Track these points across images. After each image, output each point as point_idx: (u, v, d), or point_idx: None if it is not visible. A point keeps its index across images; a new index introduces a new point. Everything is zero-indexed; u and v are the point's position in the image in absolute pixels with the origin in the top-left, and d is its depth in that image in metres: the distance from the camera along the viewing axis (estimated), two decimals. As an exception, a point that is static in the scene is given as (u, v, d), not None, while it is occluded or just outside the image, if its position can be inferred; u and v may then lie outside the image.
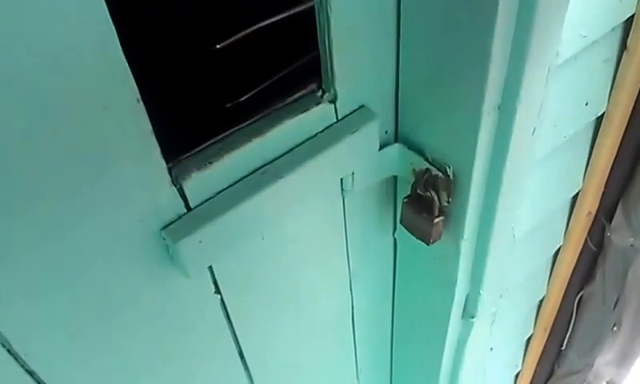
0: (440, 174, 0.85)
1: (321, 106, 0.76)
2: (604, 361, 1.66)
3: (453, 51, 0.72)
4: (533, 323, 1.70)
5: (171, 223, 0.66)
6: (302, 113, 0.75)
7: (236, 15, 0.95)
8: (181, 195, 0.65)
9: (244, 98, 0.86)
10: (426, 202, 0.88)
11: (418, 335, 1.23)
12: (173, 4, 0.98)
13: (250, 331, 0.90)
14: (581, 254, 1.45)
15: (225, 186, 0.70)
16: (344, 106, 0.79)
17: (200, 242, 0.66)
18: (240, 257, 0.79)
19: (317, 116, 0.77)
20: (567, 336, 1.71)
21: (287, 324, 0.98)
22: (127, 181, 0.60)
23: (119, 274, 0.66)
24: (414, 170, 0.89)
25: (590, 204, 1.30)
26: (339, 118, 0.80)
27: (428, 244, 0.91)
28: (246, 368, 0.94)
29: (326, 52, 0.72)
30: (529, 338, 1.77)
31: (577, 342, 1.69)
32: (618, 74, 1.03)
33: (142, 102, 0.56)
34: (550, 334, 1.76)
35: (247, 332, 0.89)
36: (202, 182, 0.67)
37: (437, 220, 0.88)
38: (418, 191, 0.88)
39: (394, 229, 1.07)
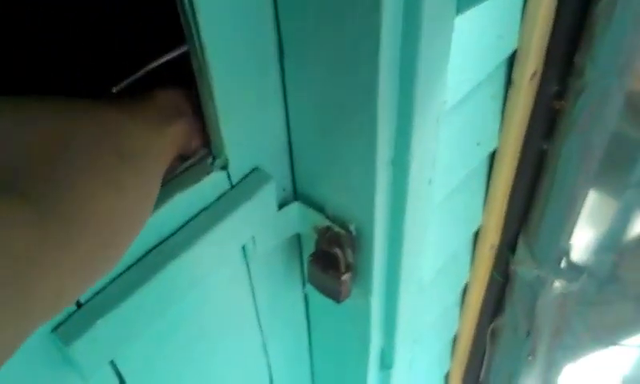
0: (342, 231, 0.84)
1: (212, 174, 0.74)
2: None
3: (340, 109, 0.72)
4: (449, 359, 1.72)
5: (61, 324, 0.61)
6: (194, 184, 0.72)
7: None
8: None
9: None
10: (331, 258, 0.87)
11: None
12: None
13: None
14: (489, 286, 1.48)
15: (115, 275, 0.66)
16: (236, 170, 0.77)
17: (95, 339, 0.62)
18: (144, 343, 0.74)
19: (210, 185, 0.74)
20: (483, 368, 1.73)
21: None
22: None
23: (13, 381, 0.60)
24: (315, 227, 0.87)
25: (492, 238, 1.32)
26: (233, 184, 0.78)
27: (338, 302, 0.90)
28: None
29: (213, 118, 0.70)
30: (447, 374, 1.79)
31: (494, 373, 1.72)
32: (506, 108, 1.06)
33: None
34: (467, 368, 1.78)
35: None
36: None
37: (344, 277, 0.87)
38: (323, 248, 0.87)
39: (304, 286, 1.05)
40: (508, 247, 1.36)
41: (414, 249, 0.87)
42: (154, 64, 0.73)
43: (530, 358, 1.54)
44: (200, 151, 0.74)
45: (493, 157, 1.15)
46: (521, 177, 1.20)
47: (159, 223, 0.69)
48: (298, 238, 0.98)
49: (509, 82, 1.04)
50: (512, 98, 1.06)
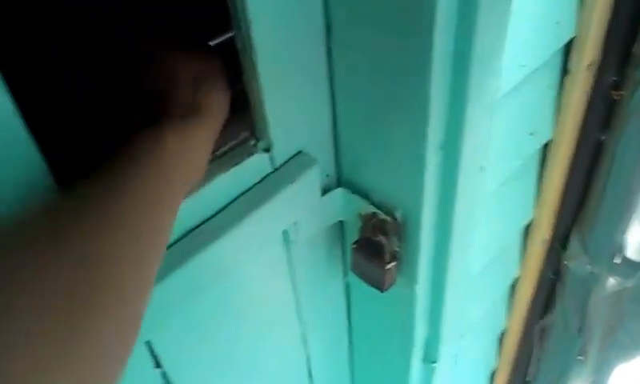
0: (388, 218, 0.82)
1: (255, 156, 0.72)
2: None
3: (390, 90, 0.70)
4: (496, 356, 1.68)
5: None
6: (236, 165, 0.71)
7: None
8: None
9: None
10: (376, 247, 0.85)
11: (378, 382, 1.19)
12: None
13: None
14: (539, 283, 1.44)
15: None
16: (280, 153, 0.75)
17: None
18: (181, 325, 0.74)
19: (252, 167, 0.73)
20: (531, 367, 1.69)
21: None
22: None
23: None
24: (360, 214, 0.85)
25: (543, 232, 1.29)
26: (276, 167, 0.76)
27: (382, 291, 0.88)
28: None
29: (257, 99, 0.69)
30: (493, 372, 1.75)
31: (542, 373, 1.67)
32: (562, 98, 1.03)
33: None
34: (514, 367, 1.74)
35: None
36: None
37: (389, 266, 0.85)
38: (367, 236, 0.85)
39: (345, 275, 1.04)
40: (560, 242, 1.32)
41: (463, 238, 0.85)
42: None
43: (580, 357, 1.50)
44: (243, 133, 0.73)
45: (546, 148, 1.12)
46: (575, 169, 1.16)
47: (199, 205, 0.68)
48: (340, 226, 0.96)
49: (565, 71, 1.01)
50: (568, 87, 1.02)
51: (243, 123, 0.72)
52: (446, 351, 1.08)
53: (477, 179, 0.79)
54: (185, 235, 0.68)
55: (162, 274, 0.63)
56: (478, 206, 0.85)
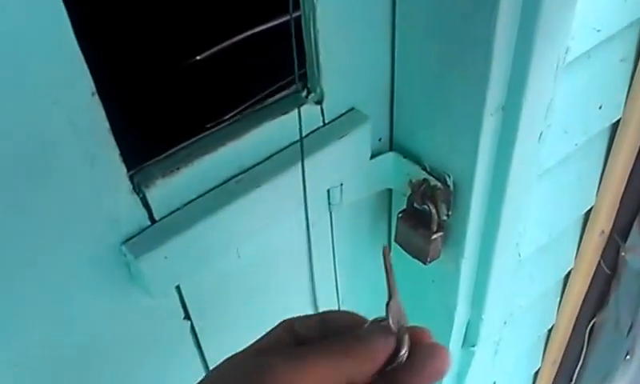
0: (439, 184, 0.82)
1: (305, 107, 0.73)
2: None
3: (453, 46, 0.70)
4: (541, 355, 1.67)
5: (133, 237, 0.63)
6: (284, 114, 0.72)
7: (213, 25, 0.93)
8: (144, 205, 0.62)
9: (220, 102, 0.83)
10: (423, 216, 0.85)
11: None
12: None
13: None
14: (593, 277, 1.42)
15: (194, 196, 0.66)
16: (332, 107, 0.76)
17: (165, 257, 0.63)
18: (212, 276, 0.75)
19: (301, 119, 0.73)
20: (578, 368, 1.68)
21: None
22: (81, 188, 0.56)
23: (74, 293, 0.62)
24: (410, 181, 0.86)
25: (603, 222, 1.27)
26: (326, 121, 0.77)
27: (425, 263, 0.88)
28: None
29: (312, 45, 0.70)
30: (536, 372, 1.74)
31: (587, 374, 1.66)
32: (636, 74, 1.01)
33: (97, 97, 0.52)
34: (559, 367, 1.73)
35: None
36: (169, 190, 0.63)
37: (435, 236, 0.85)
38: (415, 205, 0.86)
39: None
40: (620, 235, 1.30)
41: (515, 212, 0.85)
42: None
43: (627, 357, 1.48)
44: (295, 83, 0.74)
45: (614, 129, 1.10)
46: (644, 154, 1.14)
47: (243, 151, 0.69)
48: (388, 195, 0.96)
49: (642, 44, 0.99)
50: (644, 62, 1.00)
51: (295, 71, 0.73)
52: (487, 336, 1.08)
53: (534, 147, 0.79)
54: (226, 181, 0.69)
55: (201, 215, 0.65)
56: (534, 177, 0.85)
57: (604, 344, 1.53)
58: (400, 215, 0.88)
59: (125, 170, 0.58)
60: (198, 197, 0.67)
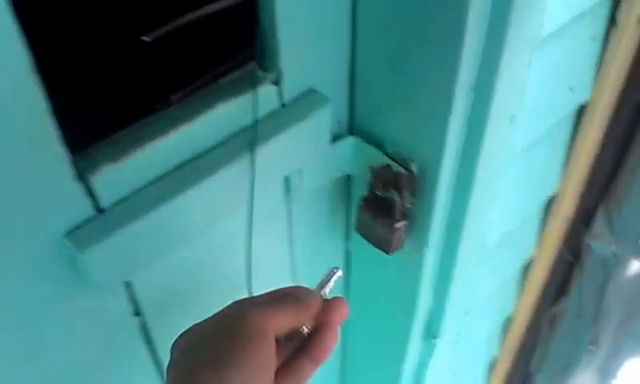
0: (402, 171, 0.79)
1: (262, 87, 0.70)
2: (578, 382, 1.64)
3: (420, 20, 0.67)
4: (498, 344, 1.67)
5: (76, 228, 0.58)
6: (239, 95, 0.68)
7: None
8: (89, 193, 0.58)
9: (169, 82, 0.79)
10: (385, 204, 0.83)
11: (374, 358, 1.18)
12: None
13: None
14: (555, 265, 1.42)
15: (144, 183, 0.62)
16: (290, 88, 0.73)
17: (113, 251, 0.59)
18: (164, 270, 0.71)
19: (257, 100, 0.70)
20: (535, 358, 1.68)
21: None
22: (17, 173, 0.52)
23: (13, 291, 0.58)
24: (371, 167, 0.83)
25: (567, 207, 1.27)
26: (284, 102, 0.73)
27: (388, 253, 0.86)
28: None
29: (269, 20, 0.66)
30: (494, 361, 1.74)
31: (548, 362, 1.67)
32: (606, 53, 1.00)
33: (34, 74, 0.48)
34: (517, 355, 1.73)
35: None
36: (116, 177, 0.59)
37: (398, 225, 0.83)
38: (377, 192, 0.83)
39: (347, 237, 1.01)
40: (583, 220, 1.30)
41: (484, 200, 0.83)
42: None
43: (591, 346, 1.49)
44: (250, 62, 0.70)
45: (581, 112, 1.09)
46: (610, 138, 1.13)
47: (195, 135, 0.66)
48: (347, 181, 0.93)
49: (612, 22, 0.98)
50: (613, 41, 0.99)
51: (250, 49, 0.70)
52: (449, 328, 1.07)
53: (506, 130, 0.77)
54: (179, 167, 0.65)
55: (151, 205, 0.61)
56: (504, 163, 0.83)
57: (565, 333, 1.54)
58: (361, 203, 0.86)
59: (67, 154, 0.54)
60: (148, 184, 0.63)
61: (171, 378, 0.52)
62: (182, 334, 0.56)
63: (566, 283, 1.47)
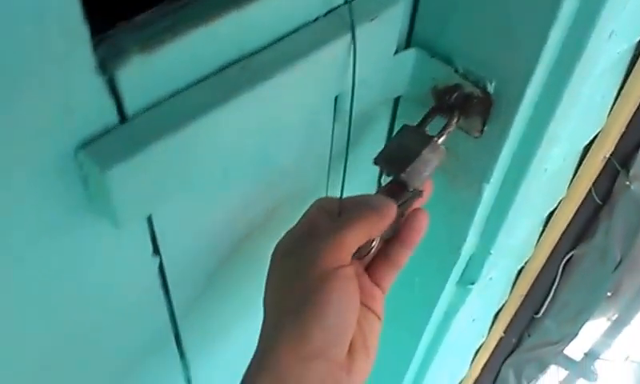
0: (477, 92, 0.62)
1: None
2: (591, 330, 1.51)
3: None
4: (509, 289, 1.52)
5: (93, 140, 0.40)
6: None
7: None
8: (112, 92, 0.39)
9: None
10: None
11: (402, 306, 1.01)
12: None
13: (194, 315, 0.66)
14: (580, 209, 1.27)
15: (182, 85, 0.44)
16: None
17: (140, 173, 0.42)
18: (187, 203, 0.54)
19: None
20: (546, 302, 1.54)
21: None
22: (18, 57, 0.34)
23: (13, 216, 0.40)
24: (435, 87, 0.66)
25: (608, 146, 1.11)
26: (347, -1, 0.55)
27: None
28: (183, 357, 0.70)
29: None
30: (502, 307, 1.60)
31: (557, 308, 1.53)
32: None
33: None
34: (524, 300, 1.59)
35: (189, 314, 0.65)
36: (148, 72, 0.41)
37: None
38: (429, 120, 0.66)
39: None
40: (620, 161, 1.15)
41: (559, 128, 0.66)
42: None
43: (609, 294, 1.35)
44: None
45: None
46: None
47: (243, 33, 0.47)
48: (394, 105, 0.76)
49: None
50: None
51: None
52: (486, 272, 0.92)
53: (603, 46, 0.60)
54: (224, 68, 0.47)
55: (189, 115, 0.43)
56: (585, 90, 0.67)
57: (583, 278, 1.40)
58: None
59: (87, 34, 0.36)
60: (187, 87, 0.45)
61: (277, 276, 0.54)
62: (280, 241, 0.56)
63: (587, 228, 1.33)
